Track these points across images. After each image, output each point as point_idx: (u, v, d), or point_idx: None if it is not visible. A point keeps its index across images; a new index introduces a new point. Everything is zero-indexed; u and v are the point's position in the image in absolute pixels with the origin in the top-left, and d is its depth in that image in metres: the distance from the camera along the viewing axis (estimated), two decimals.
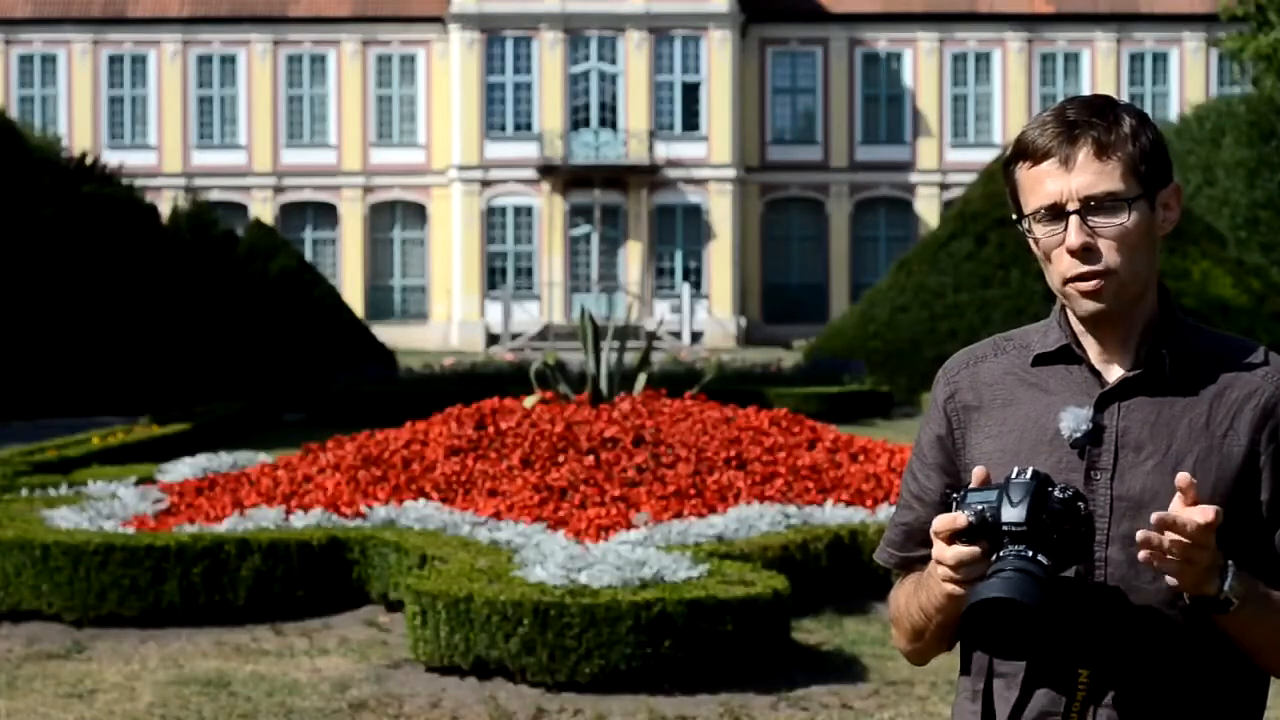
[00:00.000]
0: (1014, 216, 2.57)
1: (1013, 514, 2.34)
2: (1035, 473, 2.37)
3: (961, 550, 2.37)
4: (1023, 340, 2.61)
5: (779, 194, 52.98)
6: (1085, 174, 2.45)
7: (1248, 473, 2.47)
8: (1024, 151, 2.50)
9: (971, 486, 2.42)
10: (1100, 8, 52.90)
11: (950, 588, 2.41)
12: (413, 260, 52.90)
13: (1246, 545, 2.47)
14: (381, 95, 52.52)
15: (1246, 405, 2.48)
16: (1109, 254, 2.45)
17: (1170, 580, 2.36)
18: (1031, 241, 2.51)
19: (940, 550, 2.40)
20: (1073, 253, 2.45)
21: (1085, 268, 2.45)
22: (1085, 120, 2.47)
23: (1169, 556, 2.34)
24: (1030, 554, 2.32)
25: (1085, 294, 2.47)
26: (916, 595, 2.55)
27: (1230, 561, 2.38)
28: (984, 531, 2.36)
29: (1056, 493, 2.36)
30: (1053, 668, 2.46)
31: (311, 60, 52.61)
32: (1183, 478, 2.35)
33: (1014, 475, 2.37)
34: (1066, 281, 2.48)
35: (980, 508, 2.36)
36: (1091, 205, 2.45)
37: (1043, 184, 2.47)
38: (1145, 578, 2.45)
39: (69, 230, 28.55)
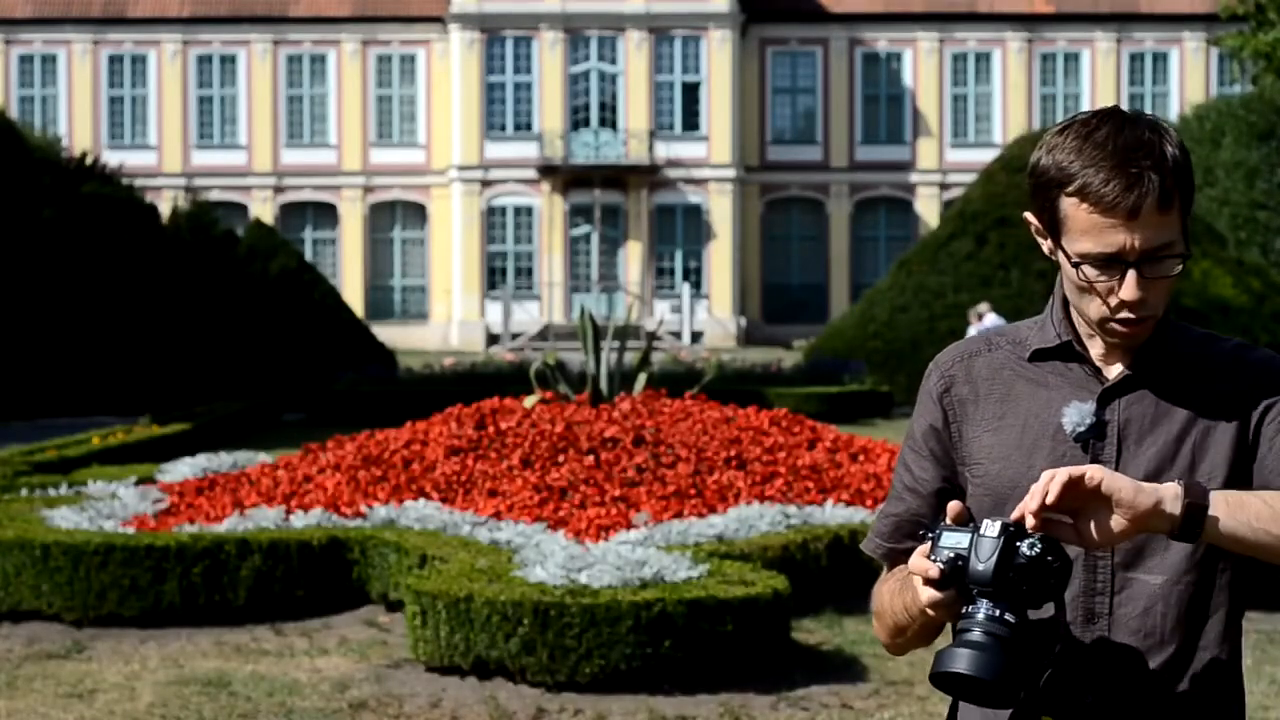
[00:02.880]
0: (1038, 230, 2.55)
1: (979, 571, 2.37)
2: (1004, 526, 2.38)
3: (935, 595, 2.40)
4: (1015, 336, 2.64)
5: (779, 194, 52.98)
6: (1148, 229, 2.45)
7: (1243, 454, 2.52)
8: (1080, 190, 2.47)
9: (946, 524, 2.42)
10: (1100, 8, 52.90)
11: (930, 613, 2.44)
12: (413, 260, 52.91)
13: None
14: (381, 95, 52.52)
15: (1238, 394, 2.53)
16: (1153, 298, 2.49)
17: (1124, 521, 2.36)
18: (1074, 271, 2.50)
19: (918, 586, 2.43)
20: (1127, 304, 2.48)
21: (1134, 315, 2.49)
22: (1146, 168, 2.45)
23: (1105, 525, 2.36)
24: (997, 612, 2.36)
25: (1125, 335, 2.51)
26: (901, 594, 2.57)
27: (1177, 481, 2.40)
28: (956, 579, 2.39)
29: (1024, 548, 2.37)
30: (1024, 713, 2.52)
31: (311, 60, 52.61)
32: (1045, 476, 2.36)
33: (983, 529, 2.38)
34: (1108, 320, 2.50)
35: (951, 555, 2.38)
36: (1148, 257, 2.46)
37: (1103, 235, 2.46)
38: (1150, 563, 2.50)
39: (69, 230, 28.55)
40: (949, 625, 2.56)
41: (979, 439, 2.59)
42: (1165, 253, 2.46)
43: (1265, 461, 2.51)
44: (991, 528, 2.38)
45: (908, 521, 2.65)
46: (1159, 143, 2.48)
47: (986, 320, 27.61)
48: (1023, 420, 2.56)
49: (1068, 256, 2.51)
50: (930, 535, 2.42)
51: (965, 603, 2.39)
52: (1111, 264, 2.47)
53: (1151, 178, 2.45)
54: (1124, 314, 2.48)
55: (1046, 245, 2.56)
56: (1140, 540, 2.49)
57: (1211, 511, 2.38)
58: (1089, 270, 2.48)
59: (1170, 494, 2.37)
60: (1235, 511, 2.40)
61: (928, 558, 2.40)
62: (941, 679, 2.37)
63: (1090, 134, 2.48)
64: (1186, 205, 2.50)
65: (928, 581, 2.40)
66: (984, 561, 2.36)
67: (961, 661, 2.35)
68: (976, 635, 2.35)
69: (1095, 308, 2.51)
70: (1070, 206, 2.49)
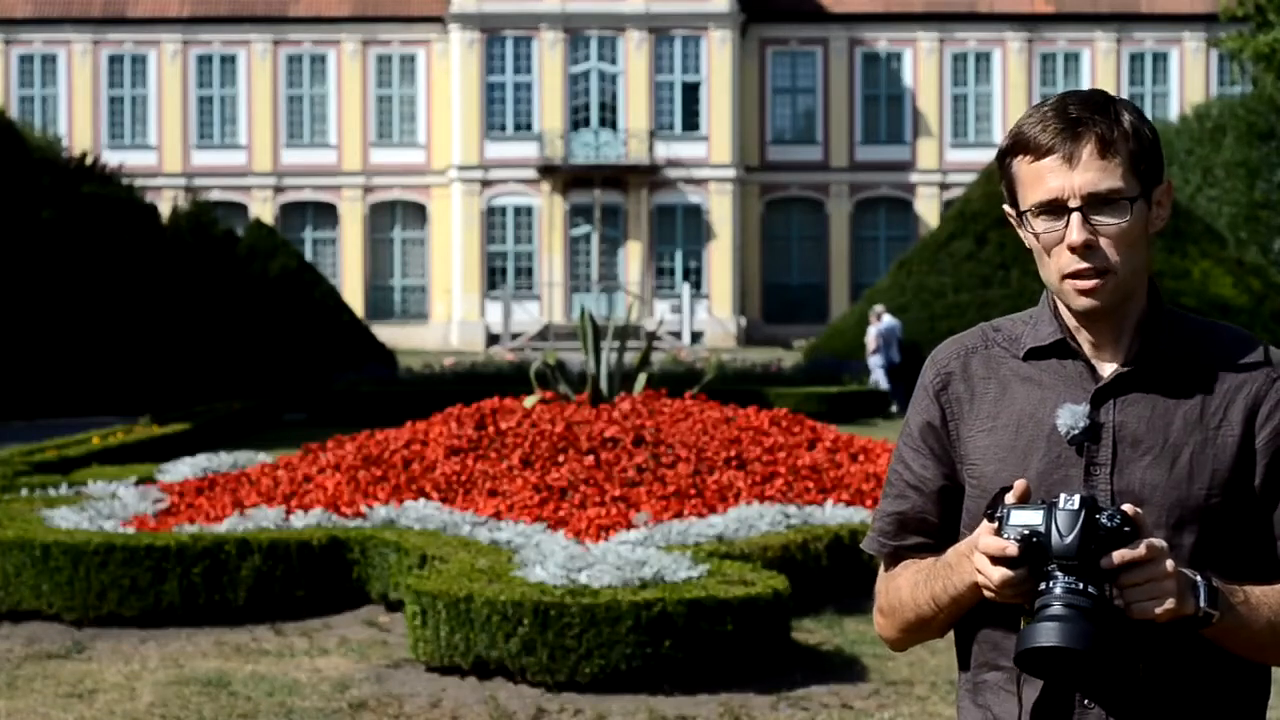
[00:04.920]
0: (1008, 209, 2.56)
1: (1064, 546, 2.34)
2: (1083, 499, 2.36)
3: (1008, 573, 2.37)
4: (1011, 332, 2.61)
5: (779, 194, 52.97)
6: (1089, 171, 2.45)
7: (1242, 462, 2.49)
8: (1024, 145, 2.50)
9: (1011, 503, 2.41)
10: (1100, 8, 52.90)
11: (990, 595, 2.42)
12: (413, 260, 52.90)
13: (1242, 532, 2.50)
14: (381, 95, 52.52)
15: (1238, 395, 2.50)
16: (1109, 251, 2.46)
17: (1156, 609, 2.36)
18: (1029, 236, 2.51)
19: (985, 567, 2.39)
20: (1074, 249, 2.45)
21: (1085, 265, 2.46)
22: (1088, 117, 2.47)
23: (1143, 598, 2.35)
24: (1080, 585, 2.33)
25: (1083, 292, 2.47)
26: (928, 585, 2.54)
27: (1200, 577, 2.40)
28: (1031, 557, 2.36)
29: (1104, 519, 2.36)
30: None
31: (311, 60, 52.60)
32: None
33: (1061, 502, 2.36)
34: (1064, 277, 2.48)
35: (1027, 532, 2.36)
36: (1094, 202, 2.45)
37: (1044, 180, 2.47)
38: (1180, 540, 2.48)
39: (69, 230, 28.55)
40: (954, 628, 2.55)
41: (974, 439, 2.56)
42: (1112, 197, 2.45)
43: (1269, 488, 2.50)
44: (1070, 501, 2.36)
45: (913, 519, 2.62)
46: (1108, 104, 2.49)
47: (884, 321, 27.84)
48: (1017, 421, 2.53)
49: (1023, 219, 2.50)
50: (996, 515, 2.40)
51: (1037, 581, 2.36)
52: (1057, 211, 2.46)
53: (1092, 124, 2.46)
54: (1075, 264, 2.45)
55: (1021, 232, 2.54)
56: (1178, 516, 2.48)
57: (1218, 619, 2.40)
58: (1039, 223, 2.48)
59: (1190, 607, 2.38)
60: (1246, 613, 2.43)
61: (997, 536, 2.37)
62: (1028, 658, 2.32)
63: (1041, 104, 2.52)
64: (1142, 166, 2.47)
65: (1000, 561, 2.36)
66: (1067, 535, 2.33)
67: (1050, 634, 2.30)
68: (1058, 609, 2.31)
69: (1053, 268, 2.48)
70: (1018, 166, 2.51)
